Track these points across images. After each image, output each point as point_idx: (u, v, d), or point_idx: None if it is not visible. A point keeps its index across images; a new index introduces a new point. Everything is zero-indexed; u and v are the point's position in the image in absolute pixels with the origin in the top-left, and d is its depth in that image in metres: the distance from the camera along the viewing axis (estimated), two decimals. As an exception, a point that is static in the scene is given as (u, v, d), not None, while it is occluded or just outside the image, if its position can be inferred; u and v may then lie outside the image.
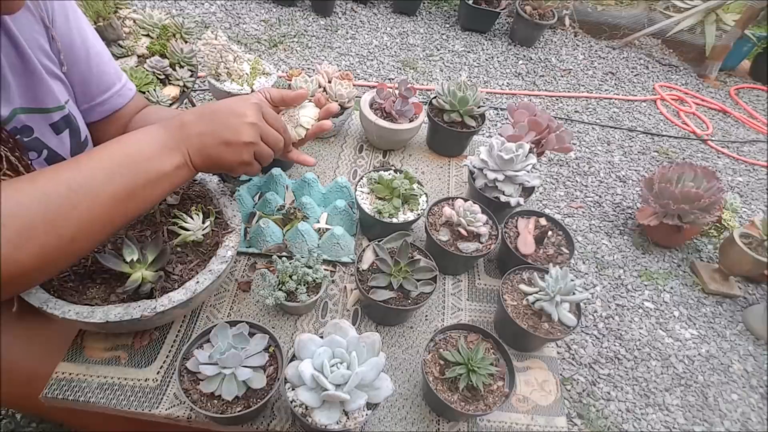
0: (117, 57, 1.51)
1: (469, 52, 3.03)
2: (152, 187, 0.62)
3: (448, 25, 3.22)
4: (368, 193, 0.94)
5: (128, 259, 0.68)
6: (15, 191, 0.52)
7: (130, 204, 0.60)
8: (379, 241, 0.84)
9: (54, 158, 0.75)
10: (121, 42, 1.52)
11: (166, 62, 1.51)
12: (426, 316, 0.86)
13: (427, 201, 0.95)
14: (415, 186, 0.94)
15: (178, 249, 0.75)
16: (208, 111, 0.68)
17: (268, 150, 0.72)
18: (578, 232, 2.09)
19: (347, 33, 2.93)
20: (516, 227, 0.95)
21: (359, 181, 0.95)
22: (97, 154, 0.60)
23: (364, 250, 0.84)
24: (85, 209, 0.56)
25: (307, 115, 0.82)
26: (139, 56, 1.54)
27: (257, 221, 0.88)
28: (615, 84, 3.06)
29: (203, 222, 0.76)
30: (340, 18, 3.03)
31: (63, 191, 0.55)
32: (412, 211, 0.92)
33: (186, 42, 1.64)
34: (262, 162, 0.73)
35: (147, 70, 1.46)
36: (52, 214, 0.53)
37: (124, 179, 0.59)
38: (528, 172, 0.97)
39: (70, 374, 0.71)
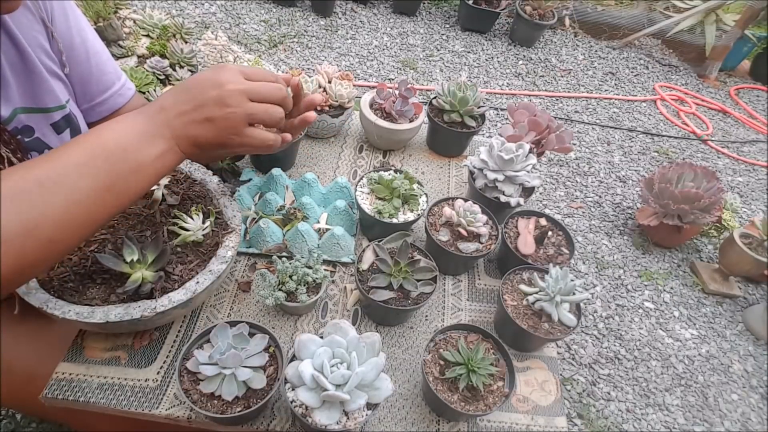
0: (117, 57, 1.52)
1: (469, 52, 3.03)
2: (133, 179, 0.57)
3: (448, 26, 3.22)
4: (368, 194, 0.94)
5: (128, 259, 0.68)
6: None
7: (110, 198, 0.56)
8: (379, 241, 0.84)
9: None
10: (121, 42, 1.52)
11: (166, 62, 1.51)
12: (426, 316, 0.86)
13: (427, 201, 0.95)
14: (415, 186, 0.94)
15: (178, 249, 0.75)
16: (182, 88, 0.60)
17: (266, 108, 0.62)
18: (578, 232, 2.09)
19: (347, 33, 2.93)
20: (516, 227, 0.95)
21: (359, 181, 0.95)
22: (70, 148, 0.55)
23: (364, 251, 0.84)
24: (61, 207, 0.52)
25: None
26: (139, 56, 1.55)
27: (257, 221, 0.88)
28: (615, 84, 3.06)
29: (203, 222, 0.77)
30: (340, 18, 3.03)
31: (35, 189, 0.51)
32: (412, 211, 0.92)
33: (186, 42, 1.64)
34: (270, 123, 0.64)
35: (147, 71, 1.46)
36: (26, 215, 0.50)
37: (101, 173, 0.55)
38: (528, 172, 0.97)
39: (70, 374, 0.71)
